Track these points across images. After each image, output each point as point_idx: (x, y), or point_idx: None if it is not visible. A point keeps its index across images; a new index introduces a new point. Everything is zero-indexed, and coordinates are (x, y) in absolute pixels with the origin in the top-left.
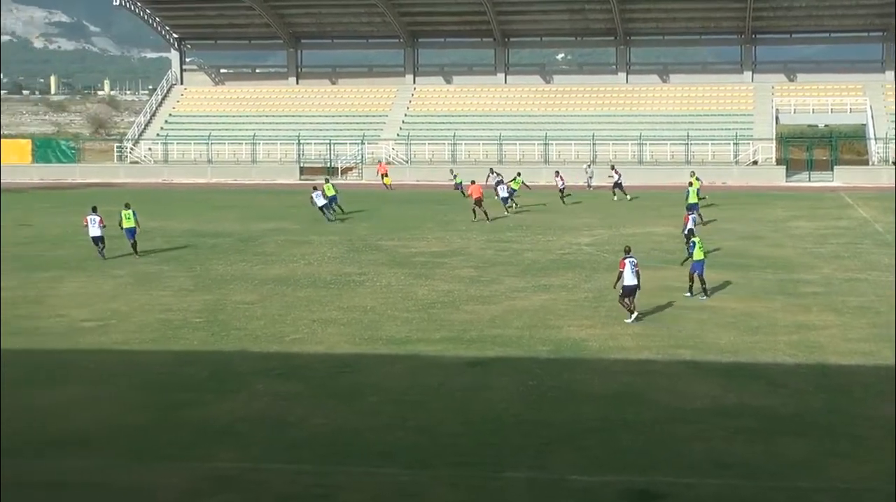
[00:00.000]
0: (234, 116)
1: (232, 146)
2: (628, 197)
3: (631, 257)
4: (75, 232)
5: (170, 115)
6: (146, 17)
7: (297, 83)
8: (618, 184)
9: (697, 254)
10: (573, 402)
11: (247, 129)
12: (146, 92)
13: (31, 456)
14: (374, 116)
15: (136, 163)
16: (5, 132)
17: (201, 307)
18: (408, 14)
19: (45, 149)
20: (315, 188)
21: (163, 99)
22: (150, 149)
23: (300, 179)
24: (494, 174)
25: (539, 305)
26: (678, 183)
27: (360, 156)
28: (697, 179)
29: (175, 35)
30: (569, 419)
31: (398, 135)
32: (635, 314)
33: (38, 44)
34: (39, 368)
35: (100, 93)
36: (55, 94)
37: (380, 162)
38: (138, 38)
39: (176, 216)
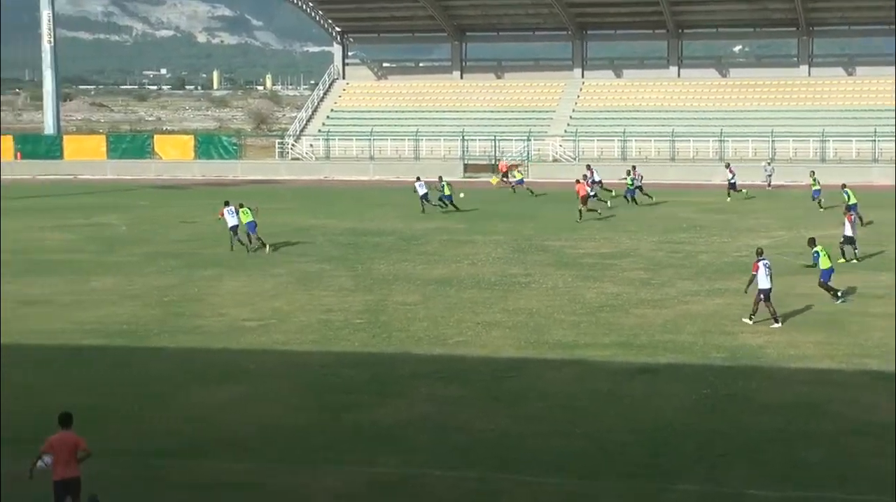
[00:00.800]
0: (396, 112)
1: (394, 142)
2: (729, 198)
3: (764, 259)
4: None
5: (332, 110)
6: (309, 10)
7: (462, 77)
8: (732, 184)
9: (824, 263)
10: (749, 412)
11: (409, 125)
12: (308, 87)
13: (191, 456)
14: (540, 112)
15: (298, 159)
16: (168, 127)
17: (363, 308)
18: (576, 5)
19: (207, 145)
20: (418, 178)
21: (324, 94)
22: (311, 145)
23: (464, 177)
24: (592, 171)
25: (713, 310)
26: (865, 182)
27: (526, 154)
28: (816, 180)
29: (338, 28)
30: (745, 429)
31: (565, 131)
32: (778, 318)
33: (202, 38)
34: (201, 368)
35: (261, 88)
36: (217, 89)
37: (500, 161)
38: (300, 32)
39: (337, 214)
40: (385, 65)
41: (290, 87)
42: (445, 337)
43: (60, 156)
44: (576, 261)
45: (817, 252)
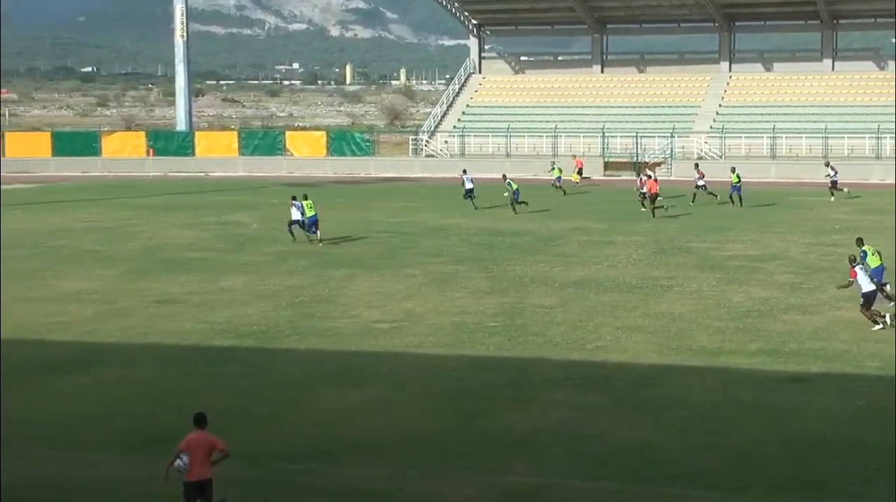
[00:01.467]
0: (534, 107)
1: (532, 139)
2: (833, 198)
3: (858, 265)
4: (367, 228)
5: (467, 105)
6: (445, 2)
7: (602, 71)
8: (833, 183)
9: (873, 262)
10: None
11: (548, 121)
12: (443, 81)
13: (323, 461)
14: (684, 107)
15: (432, 156)
16: (300, 123)
17: (498, 310)
18: None
19: (340, 141)
20: (465, 171)
21: (460, 89)
22: (446, 142)
23: (604, 175)
24: (647, 171)
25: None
26: None
27: (669, 151)
28: None
29: (474, 21)
30: None
31: (711, 127)
32: (886, 321)
33: (335, 32)
34: (332, 370)
35: (395, 82)
36: (350, 84)
37: (577, 157)
38: (436, 25)
39: (472, 213)
40: (522, 58)
41: (424, 81)
42: (584, 341)
43: (192, 153)
44: (721, 263)
45: (865, 251)
